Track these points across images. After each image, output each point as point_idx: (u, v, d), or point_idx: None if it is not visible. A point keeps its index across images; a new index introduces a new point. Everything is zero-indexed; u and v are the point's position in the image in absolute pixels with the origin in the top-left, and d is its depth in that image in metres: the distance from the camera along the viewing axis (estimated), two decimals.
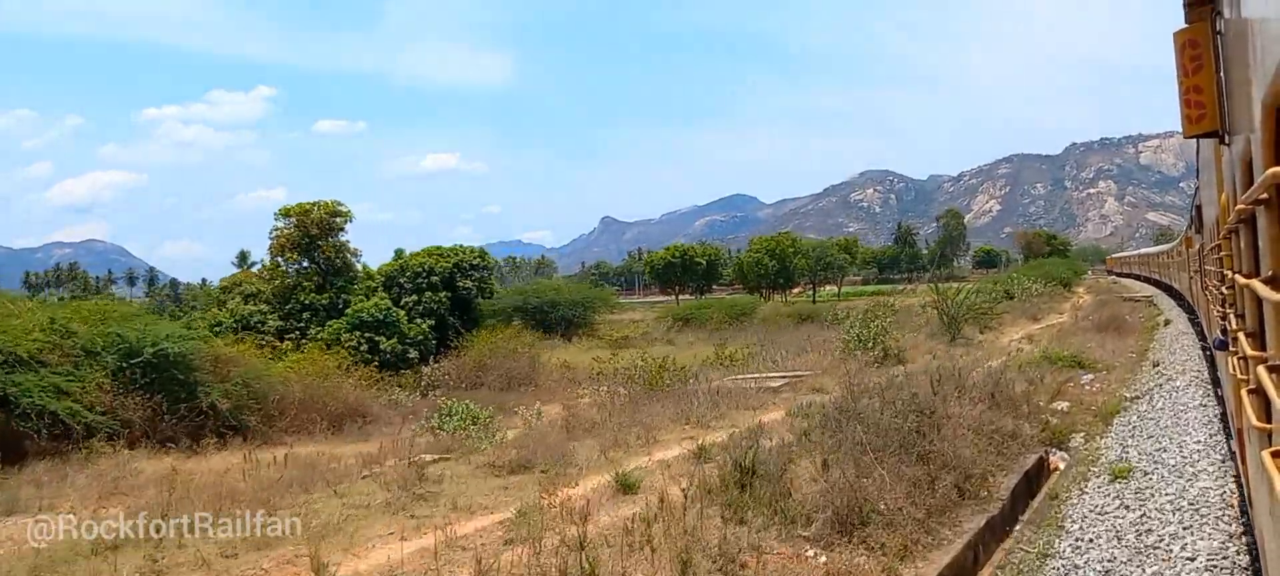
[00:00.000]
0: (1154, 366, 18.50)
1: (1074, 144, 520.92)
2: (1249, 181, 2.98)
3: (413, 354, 33.56)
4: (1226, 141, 4.49)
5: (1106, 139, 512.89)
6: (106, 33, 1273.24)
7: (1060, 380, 16.40)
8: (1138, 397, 14.55)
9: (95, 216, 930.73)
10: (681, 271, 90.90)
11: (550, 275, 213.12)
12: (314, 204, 35.69)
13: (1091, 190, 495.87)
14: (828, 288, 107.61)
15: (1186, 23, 4.75)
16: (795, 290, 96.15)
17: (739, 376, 20.24)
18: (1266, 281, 2.48)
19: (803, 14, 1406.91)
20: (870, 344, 22.20)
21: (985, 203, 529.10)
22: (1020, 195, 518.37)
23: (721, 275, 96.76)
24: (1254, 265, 3.13)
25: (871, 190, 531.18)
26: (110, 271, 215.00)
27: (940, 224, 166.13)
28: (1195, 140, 6.75)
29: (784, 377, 19.10)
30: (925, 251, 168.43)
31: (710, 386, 18.32)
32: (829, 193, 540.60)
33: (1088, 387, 16.22)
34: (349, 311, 33.86)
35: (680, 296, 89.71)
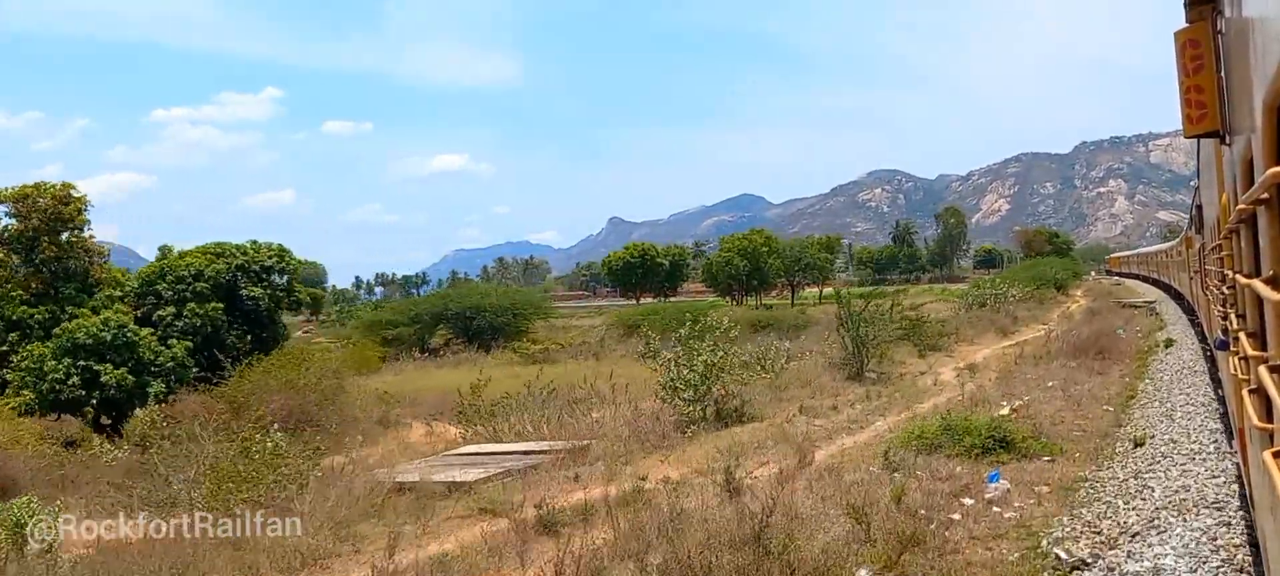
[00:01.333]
0: (1135, 447, 10.30)
1: (1084, 142, 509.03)
2: (1249, 182, 2.99)
3: (157, 387, 25.32)
4: (1227, 141, 4.40)
5: (1117, 137, 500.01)
6: (114, 34, 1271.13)
7: (939, 494, 8.28)
8: (1079, 571, 6.40)
9: (106, 218, 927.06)
10: (642, 273, 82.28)
11: (543, 277, 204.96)
12: (35, 186, 27.24)
13: (1101, 189, 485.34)
14: (812, 289, 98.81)
15: (1187, 22, 4.65)
16: (774, 293, 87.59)
17: (447, 454, 12.18)
18: (1267, 281, 2.40)
19: (810, 14, 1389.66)
20: (693, 392, 14.05)
21: (994, 202, 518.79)
22: (1029, 194, 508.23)
23: (687, 276, 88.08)
24: (1255, 265, 3.08)
25: (879, 190, 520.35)
26: None
27: (940, 222, 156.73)
28: (1196, 140, 6.49)
29: (510, 461, 11.05)
30: (925, 250, 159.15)
31: (351, 481, 10.34)
32: (837, 192, 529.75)
33: (991, 516, 8.02)
34: (58, 331, 25.50)
35: (641, 299, 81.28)
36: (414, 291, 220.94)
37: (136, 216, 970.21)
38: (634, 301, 79.29)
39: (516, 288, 71.54)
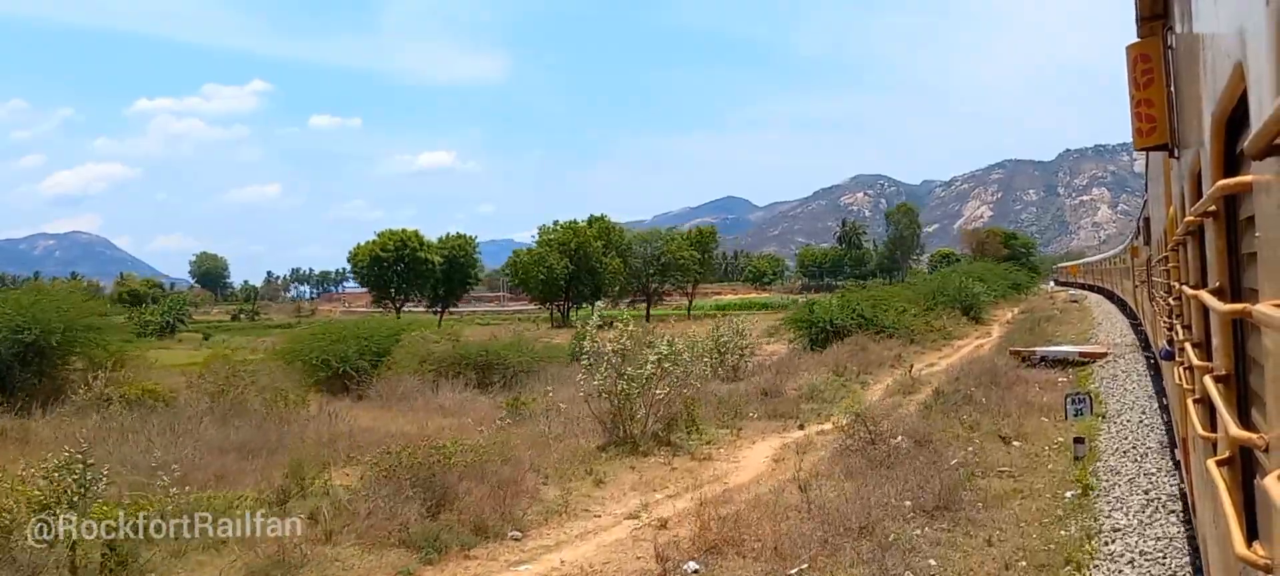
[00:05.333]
0: None
1: (1068, 150, 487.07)
2: (1197, 194, 2.99)
3: None
4: (1176, 155, 4.34)
5: (1101, 146, 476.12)
6: (99, 23, 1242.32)
7: None
8: None
9: (87, 209, 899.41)
10: (404, 273, 58.06)
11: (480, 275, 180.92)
12: None
13: (1084, 197, 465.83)
14: (722, 297, 75.39)
15: (1138, 37, 4.58)
16: (627, 302, 63.72)
17: None
18: (1213, 292, 2.33)
19: (798, 19, 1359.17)
20: None
21: (977, 208, 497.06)
22: (1012, 201, 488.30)
23: (476, 278, 63.54)
24: (1201, 277, 3.03)
25: (861, 194, 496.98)
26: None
27: (891, 222, 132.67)
28: (1145, 153, 6.64)
29: None
30: (874, 253, 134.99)
31: None
32: (819, 196, 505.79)
33: None
34: None
35: (403, 309, 57.15)
36: (332, 288, 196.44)
37: (120, 208, 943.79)
38: (393, 313, 55.17)
39: (79, 292, 46.45)
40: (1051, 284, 75.14)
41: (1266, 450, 1.55)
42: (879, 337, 26.97)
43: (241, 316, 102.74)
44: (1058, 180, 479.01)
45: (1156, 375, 12.60)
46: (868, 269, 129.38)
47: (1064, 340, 23.95)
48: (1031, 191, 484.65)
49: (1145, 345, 17.15)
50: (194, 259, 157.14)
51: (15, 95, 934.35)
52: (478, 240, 63.00)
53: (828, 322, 28.12)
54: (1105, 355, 18.60)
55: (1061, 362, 18.72)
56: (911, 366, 18.45)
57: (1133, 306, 21.06)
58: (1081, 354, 18.78)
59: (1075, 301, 44.88)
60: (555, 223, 55.31)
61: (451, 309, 60.60)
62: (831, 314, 28.49)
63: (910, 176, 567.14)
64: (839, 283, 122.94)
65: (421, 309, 58.92)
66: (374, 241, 56.63)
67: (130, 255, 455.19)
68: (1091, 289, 47.92)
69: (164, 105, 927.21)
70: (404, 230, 54.28)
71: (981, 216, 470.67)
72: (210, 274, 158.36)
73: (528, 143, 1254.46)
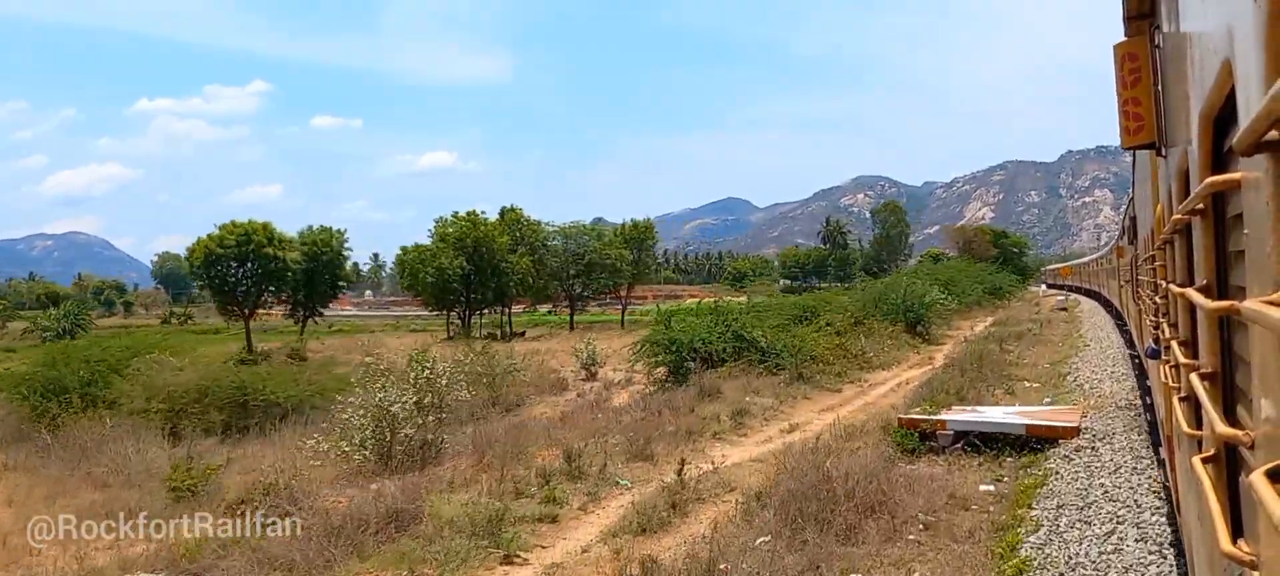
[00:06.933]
0: None
1: (1070, 151, 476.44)
2: (1185, 193, 2.96)
3: None
4: (1163, 153, 4.25)
5: (1103, 147, 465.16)
6: (100, 23, 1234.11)
7: None
8: None
9: (89, 210, 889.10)
10: (257, 274, 47.10)
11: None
12: None
13: (1087, 199, 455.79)
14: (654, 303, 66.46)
15: (1126, 36, 4.48)
16: (552, 306, 54.65)
17: None
18: (1200, 290, 2.28)
19: (798, 19, 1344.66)
20: None
21: (978, 209, 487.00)
22: (1014, 203, 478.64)
23: (346, 279, 53.59)
24: (1188, 275, 2.98)
25: (862, 195, 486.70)
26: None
27: (877, 220, 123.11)
28: (1132, 152, 6.46)
29: None
30: (860, 252, 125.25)
31: None
32: (819, 197, 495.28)
33: None
34: None
35: (254, 318, 47.82)
36: None
37: (123, 209, 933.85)
38: (242, 323, 45.82)
39: None
40: (1042, 287, 65.67)
41: (1252, 447, 1.52)
42: (753, 369, 17.84)
43: (172, 320, 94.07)
44: (1060, 181, 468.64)
45: (1143, 374, 10.42)
46: (852, 269, 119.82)
47: (1023, 379, 14.79)
48: (1033, 192, 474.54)
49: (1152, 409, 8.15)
50: (155, 259, 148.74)
51: (16, 96, 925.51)
52: None
53: (690, 347, 19.03)
54: (1076, 432, 9.43)
55: (995, 443, 9.62)
56: (682, 468, 9.17)
57: (1118, 307, 20.31)
58: (1031, 428, 9.58)
59: (1064, 309, 35.61)
60: (454, 214, 46.64)
61: (318, 315, 51.13)
62: (696, 334, 19.34)
63: (911, 177, 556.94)
64: (822, 284, 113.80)
65: (281, 316, 50.01)
66: (212, 236, 45.31)
67: (129, 256, 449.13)
68: (1084, 293, 38.68)
69: (165, 106, 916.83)
70: (251, 222, 43.76)
71: (983, 217, 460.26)
72: (173, 275, 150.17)
73: (529, 143, 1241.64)
